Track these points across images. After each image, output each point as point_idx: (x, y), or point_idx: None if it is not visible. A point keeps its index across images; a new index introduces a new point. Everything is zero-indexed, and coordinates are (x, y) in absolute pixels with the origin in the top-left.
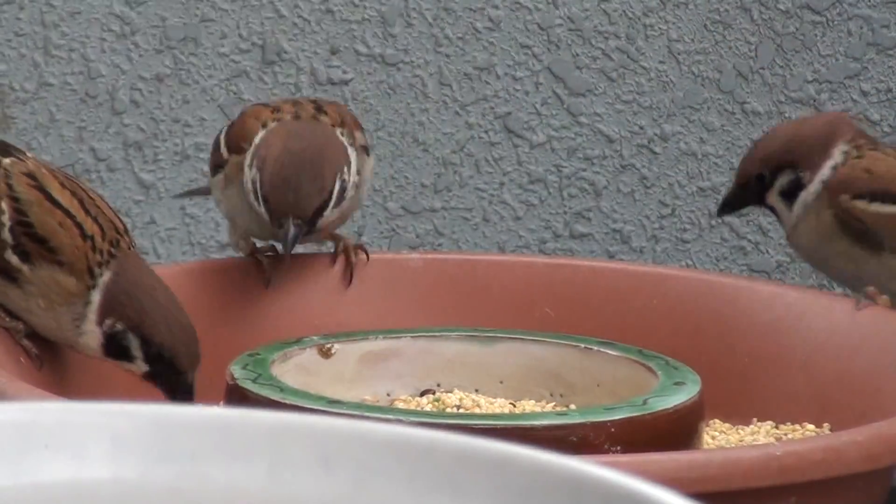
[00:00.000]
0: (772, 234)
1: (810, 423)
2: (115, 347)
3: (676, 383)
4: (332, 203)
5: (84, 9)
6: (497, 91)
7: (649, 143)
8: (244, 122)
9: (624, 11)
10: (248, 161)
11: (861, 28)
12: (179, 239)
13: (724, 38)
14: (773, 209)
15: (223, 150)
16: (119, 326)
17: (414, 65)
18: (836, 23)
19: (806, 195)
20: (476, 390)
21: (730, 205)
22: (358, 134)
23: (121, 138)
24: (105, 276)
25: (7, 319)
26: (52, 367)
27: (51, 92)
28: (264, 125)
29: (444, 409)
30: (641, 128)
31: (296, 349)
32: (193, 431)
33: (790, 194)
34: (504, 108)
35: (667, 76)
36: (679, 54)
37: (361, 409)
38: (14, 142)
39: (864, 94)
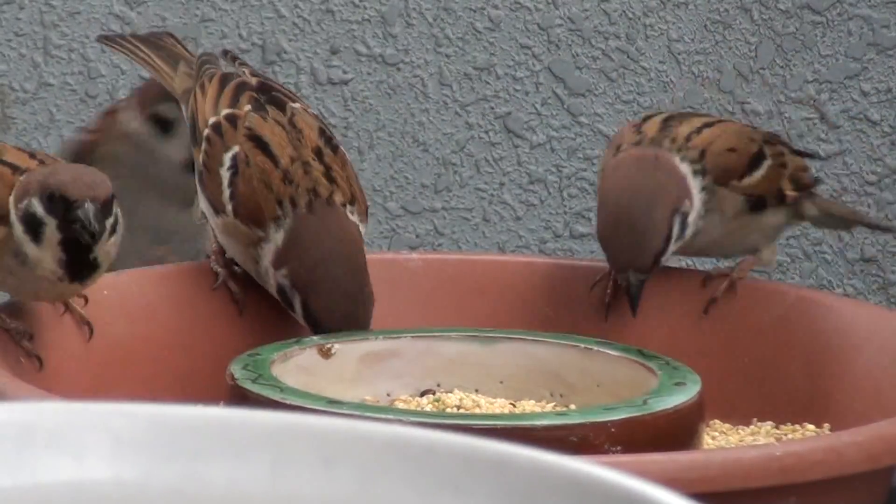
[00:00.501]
0: None
1: (810, 423)
2: (283, 295)
3: (676, 383)
4: None
5: (84, 9)
6: (497, 91)
7: None
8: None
9: (624, 11)
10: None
11: (861, 28)
12: None
13: (724, 38)
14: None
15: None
16: (286, 281)
17: (414, 65)
18: (836, 23)
19: (695, 210)
20: (476, 390)
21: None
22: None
23: None
24: (289, 223)
25: (8, 321)
26: (52, 367)
27: (51, 92)
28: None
29: (444, 410)
30: None
31: (296, 349)
32: (194, 431)
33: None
34: (504, 108)
35: (667, 76)
36: (679, 54)
37: (362, 410)
38: (14, 142)
39: (865, 94)
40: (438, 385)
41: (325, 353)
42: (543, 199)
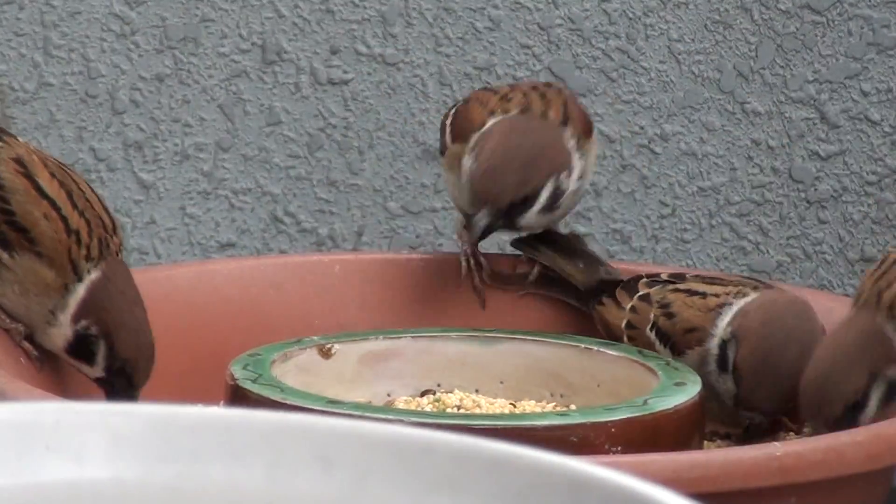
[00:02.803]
0: (772, 235)
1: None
2: (80, 348)
3: (676, 384)
4: (537, 206)
5: (84, 9)
6: None
7: (649, 143)
8: (469, 109)
9: (624, 11)
10: (467, 151)
11: (861, 28)
12: (179, 239)
13: (725, 38)
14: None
15: (448, 137)
16: (93, 330)
17: (414, 65)
18: (836, 23)
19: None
20: (476, 390)
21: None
22: (582, 128)
23: (121, 138)
24: (93, 275)
25: (7, 321)
26: (52, 367)
27: (51, 92)
28: (492, 112)
29: (444, 410)
30: (642, 128)
31: (296, 349)
32: (193, 431)
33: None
34: None
35: (667, 76)
36: (679, 54)
37: (361, 410)
38: None
39: (865, 94)
40: (438, 385)
41: (325, 354)
42: None
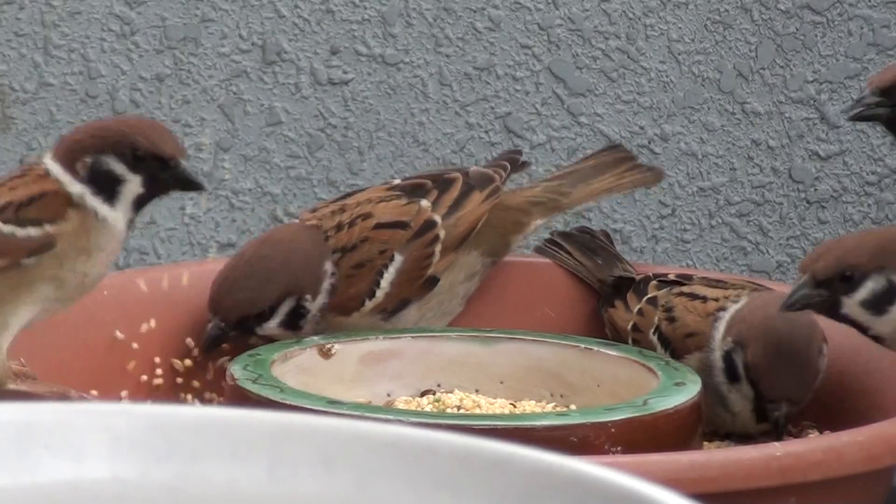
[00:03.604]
0: (772, 235)
1: (811, 422)
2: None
3: (676, 384)
4: (274, 320)
5: (84, 9)
6: (497, 91)
7: (649, 143)
8: None
9: (624, 11)
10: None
11: (861, 28)
12: (179, 239)
13: (725, 39)
14: (847, 318)
15: None
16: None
17: (414, 65)
18: (836, 23)
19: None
20: (476, 391)
21: (799, 305)
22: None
23: None
24: None
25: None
26: (52, 367)
27: (51, 92)
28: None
29: (444, 410)
30: (641, 128)
31: (296, 349)
32: (193, 431)
33: (879, 302)
34: (504, 108)
35: (667, 76)
36: (679, 54)
37: (361, 410)
38: (14, 142)
39: None
40: (438, 385)
41: (326, 354)
42: None
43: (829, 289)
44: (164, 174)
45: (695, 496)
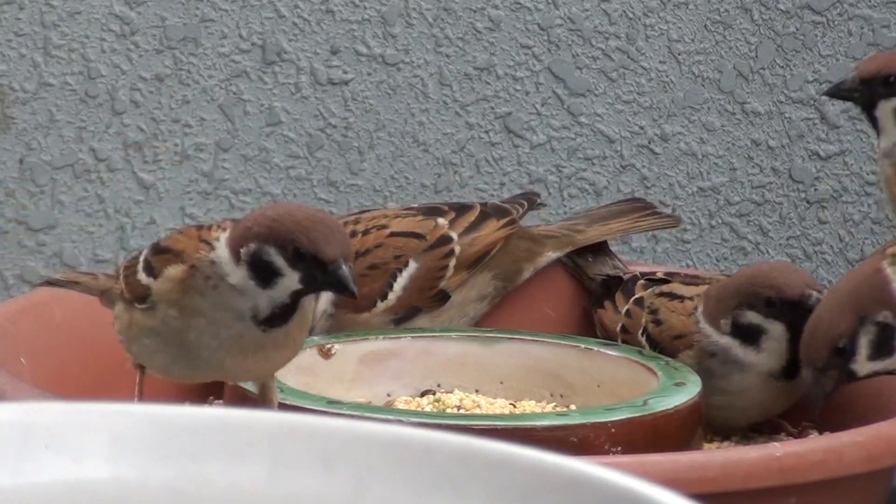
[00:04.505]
0: (772, 235)
1: (810, 423)
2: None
3: (676, 384)
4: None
5: (84, 9)
6: (497, 91)
7: (649, 143)
8: None
9: (624, 11)
10: None
11: (861, 28)
12: None
13: (725, 39)
14: (876, 121)
15: None
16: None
17: (414, 65)
18: (836, 23)
19: None
20: (476, 391)
21: (840, 94)
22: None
23: (121, 138)
24: None
25: None
26: (53, 368)
27: (51, 92)
28: None
29: (444, 410)
30: (641, 128)
31: None
32: (193, 431)
33: None
34: (504, 108)
35: (667, 76)
36: (679, 54)
37: (361, 410)
38: (14, 142)
39: None
40: (438, 385)
41: (326, 354)
42: (543, 199)
43: (870, 87)
44: (321, 276)
45: (695, 496)
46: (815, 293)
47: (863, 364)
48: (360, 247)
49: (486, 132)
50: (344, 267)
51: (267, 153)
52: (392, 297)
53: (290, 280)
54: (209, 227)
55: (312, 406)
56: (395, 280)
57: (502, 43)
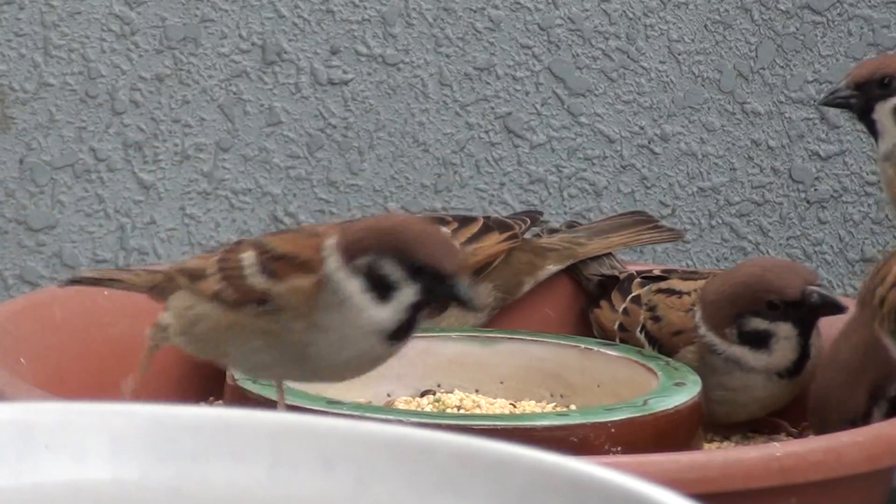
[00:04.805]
0: (772, 235)
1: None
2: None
3: (676, 384)
4: None
5: (84, 9)
6: (497, 91)
7: (649, 143)
8: None
9: (624, 11)
10: None
11: (861, 28)
12: (179, 239)
13: (725, 39)
14: (874, 124)
15: None
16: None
17: (414, 65)
18: (836, 23)
19: None
20: (476, 391)
21: (835, 102)
22: None
23: (121, 138)
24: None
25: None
26: (52, 367)
27: (51, 92)
28: None
29: (444, 410)
30: (641, 128)
31: None
32: (193, 431)
33: None
34: (504, 108)
35: (667, 76)
36: (679, 54)
37: (361, 410)
38: (14, 142)
39: None
40: (438, 385)
41: None
42: (543, 199)
43: (865, 92)
44: (440, 289)
45: (695, 496)
46: (815, 289)
47: (885, 111)
48: None
49: (486, 132)
50: (462, 280)
51: (267, 153)
52: None
53: (408, 293)
54: (316, 234)
55: (312, 406)
56: None
57: (502, 43)
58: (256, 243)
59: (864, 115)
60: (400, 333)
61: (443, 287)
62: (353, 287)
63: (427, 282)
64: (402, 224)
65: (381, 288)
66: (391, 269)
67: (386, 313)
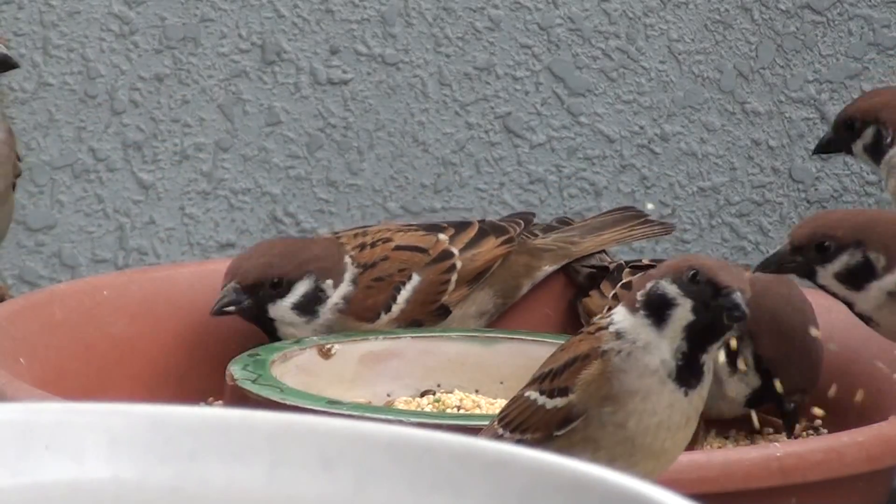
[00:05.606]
0: (772, 235)
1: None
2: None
3: None
4: (290, 299)
5: (83, 9)
6: (497, 91)
7: (649, 143)
8: None
9: (624, 11)
10: None
11: (862, 28)
12: (179, 239)
13: (725, 38)
14: (825, 288)
15: None
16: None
17: (414, 65)
18: (836, 23)
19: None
20: (476, 391)
21: (774, 267)
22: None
23: (120, 138)
24: None
25: None
26: (52, 367)
27: (50, 92)
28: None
29: (444, 410)
30: (641, 128)
31: (296, 350)
32: (193, 431)
33: (854, 276)
34: (504, 108)
35: (667, 76)
36: (679, 54)
37: (361, 410)
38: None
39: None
40: (438, 385)
41: (325, 354)
42: (543, 199)
43: (805, 256)
44: (715, 302)
45: (695, 496)
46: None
47: (828, 277)
48: (369, 259)
49: (486, 132)
50: (739, 294)
51: (267, 153)
52: (396, 309)
53: (683, 310)
54: (598, 327)
55: (312, 406)
56: (398, 292)
57: (502, 43)
58: (535, 380)
59: (808, 275)
60: (683, 374)
61: (717, 300)
62: (632, 328)
63: (703, 296)
64: (701, 261)
65: (659, 311)
66: (668, 287)
67: (661, 344)
